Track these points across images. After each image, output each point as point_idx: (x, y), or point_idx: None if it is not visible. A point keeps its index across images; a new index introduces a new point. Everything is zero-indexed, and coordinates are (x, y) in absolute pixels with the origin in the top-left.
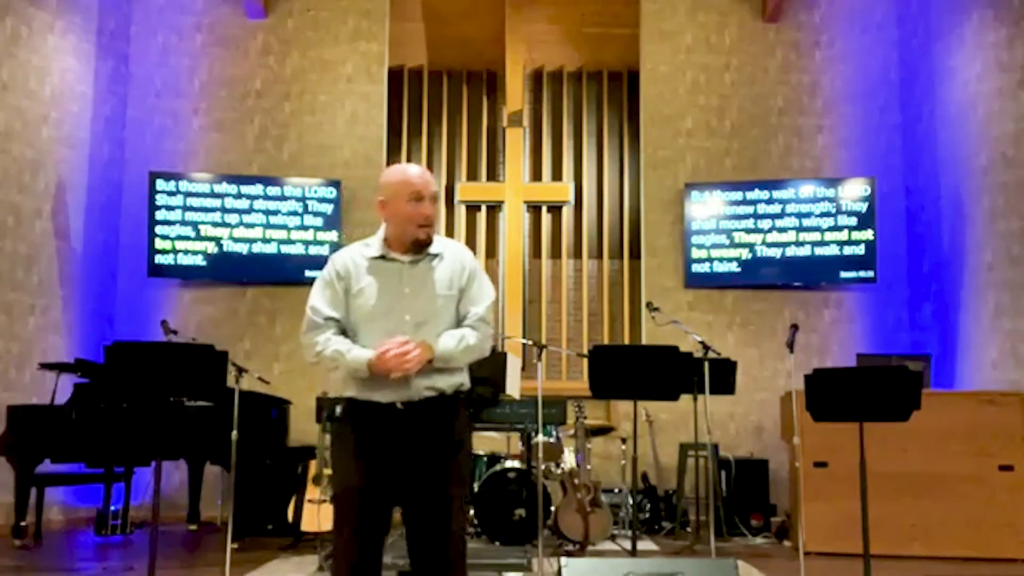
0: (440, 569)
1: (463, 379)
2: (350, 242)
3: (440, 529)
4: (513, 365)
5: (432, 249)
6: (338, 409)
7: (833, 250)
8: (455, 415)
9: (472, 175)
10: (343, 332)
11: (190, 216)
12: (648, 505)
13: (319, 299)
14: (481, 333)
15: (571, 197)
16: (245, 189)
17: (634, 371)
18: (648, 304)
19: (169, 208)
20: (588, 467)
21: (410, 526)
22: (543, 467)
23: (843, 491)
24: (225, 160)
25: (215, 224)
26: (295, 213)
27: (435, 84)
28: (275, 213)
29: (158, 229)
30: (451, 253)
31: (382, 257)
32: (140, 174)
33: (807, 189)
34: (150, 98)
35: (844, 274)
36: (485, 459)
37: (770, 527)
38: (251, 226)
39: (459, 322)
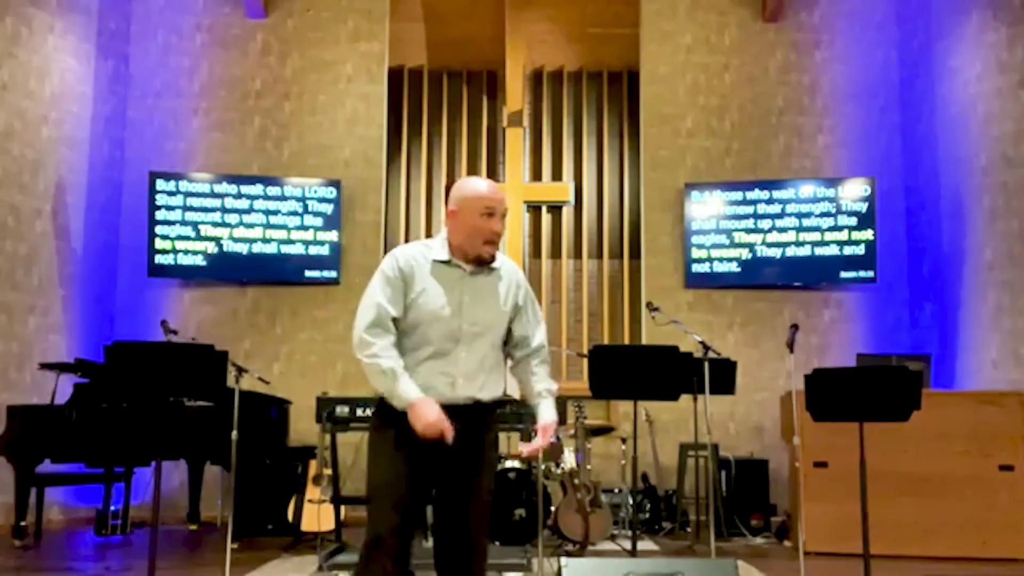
0: (467, 555)
1: (503, 390)
2: (350, 242)
3: (467, 519)
4: None
5: (493, 263)
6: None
7: (833, 250)
8: (489, 418)
9: (472, 175)
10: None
11: (190, 216)
12: (648, 505)
13: (383, 296)
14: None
15: (571, 197)
16: (245, 189)
17: (634, 371)
18: (648, 304)
19: (169, 208)
20: (588, 467)
21: (439, 513)
22: (543, 467)
23: (843, 491)
24: (225, 160)
25: (215, 224)
26: (295, 213)
27: (435, 84)
28: (275, 213)
29: (158, 229)
30: (507, 270)
31: (447, 262)
32: (140, 174)
33: (807, 189)
34: (150, 98)
35: (844, 274)
36: None
37: (770, 527)
38: (251, 226)
39: (512, 340)
